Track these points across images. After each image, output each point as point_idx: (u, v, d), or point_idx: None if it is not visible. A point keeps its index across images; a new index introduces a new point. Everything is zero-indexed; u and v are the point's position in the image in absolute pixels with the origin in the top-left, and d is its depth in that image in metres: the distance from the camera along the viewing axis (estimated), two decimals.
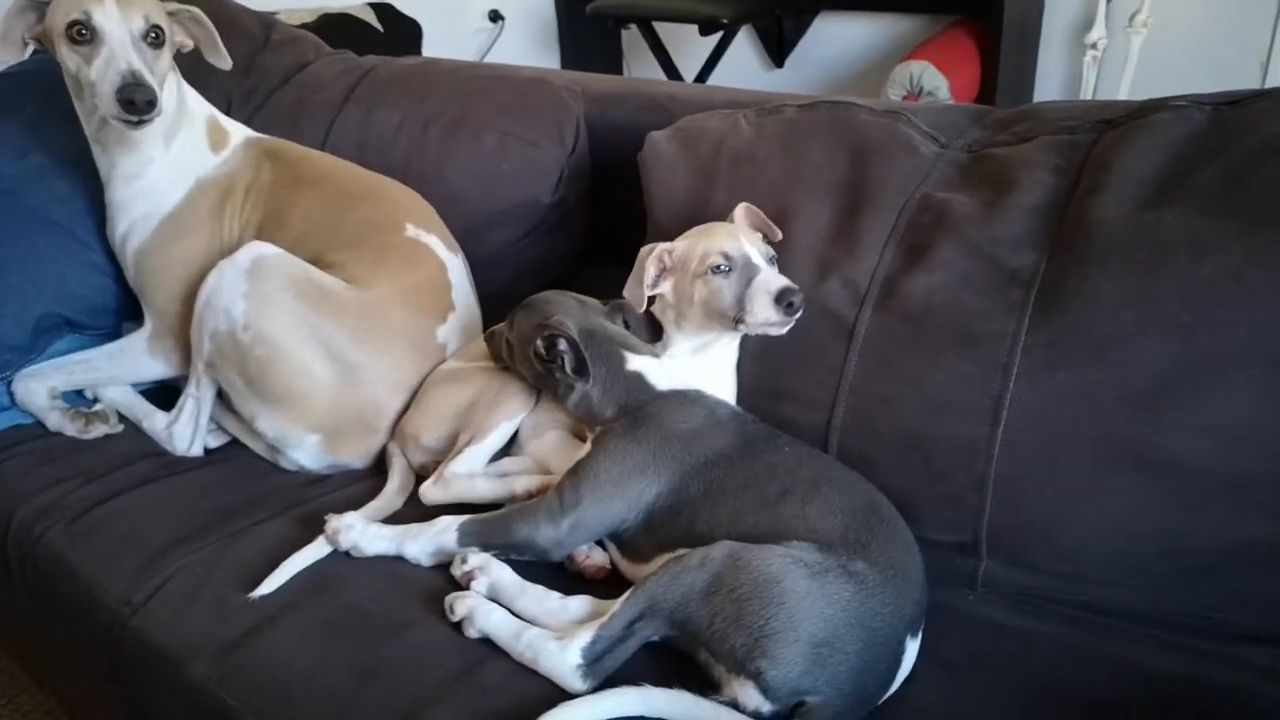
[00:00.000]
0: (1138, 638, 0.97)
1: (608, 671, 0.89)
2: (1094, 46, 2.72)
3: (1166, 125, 1.05)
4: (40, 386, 1.39)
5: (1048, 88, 2.96)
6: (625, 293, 1.18)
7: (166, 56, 1.30)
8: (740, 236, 1.12)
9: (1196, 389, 0.93)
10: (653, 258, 1.16)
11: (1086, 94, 2.78)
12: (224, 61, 1.40)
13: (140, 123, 1.23)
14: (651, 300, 1.19)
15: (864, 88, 3.25)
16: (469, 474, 1.16)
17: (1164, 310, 0.95)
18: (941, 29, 2.95)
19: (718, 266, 1.10)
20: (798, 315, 1.08)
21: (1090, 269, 1.00)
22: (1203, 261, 0.94)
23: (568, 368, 1.11)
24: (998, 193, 1.11)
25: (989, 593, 1.05)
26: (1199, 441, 0.94)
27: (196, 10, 1.37)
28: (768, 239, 1.18)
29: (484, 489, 1.15)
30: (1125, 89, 2.72)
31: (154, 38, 1.26)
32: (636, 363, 1.13)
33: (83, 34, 1.21)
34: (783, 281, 1.08)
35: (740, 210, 1.20)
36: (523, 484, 1.14)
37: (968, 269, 1.08)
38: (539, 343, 1.13)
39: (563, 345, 1.11)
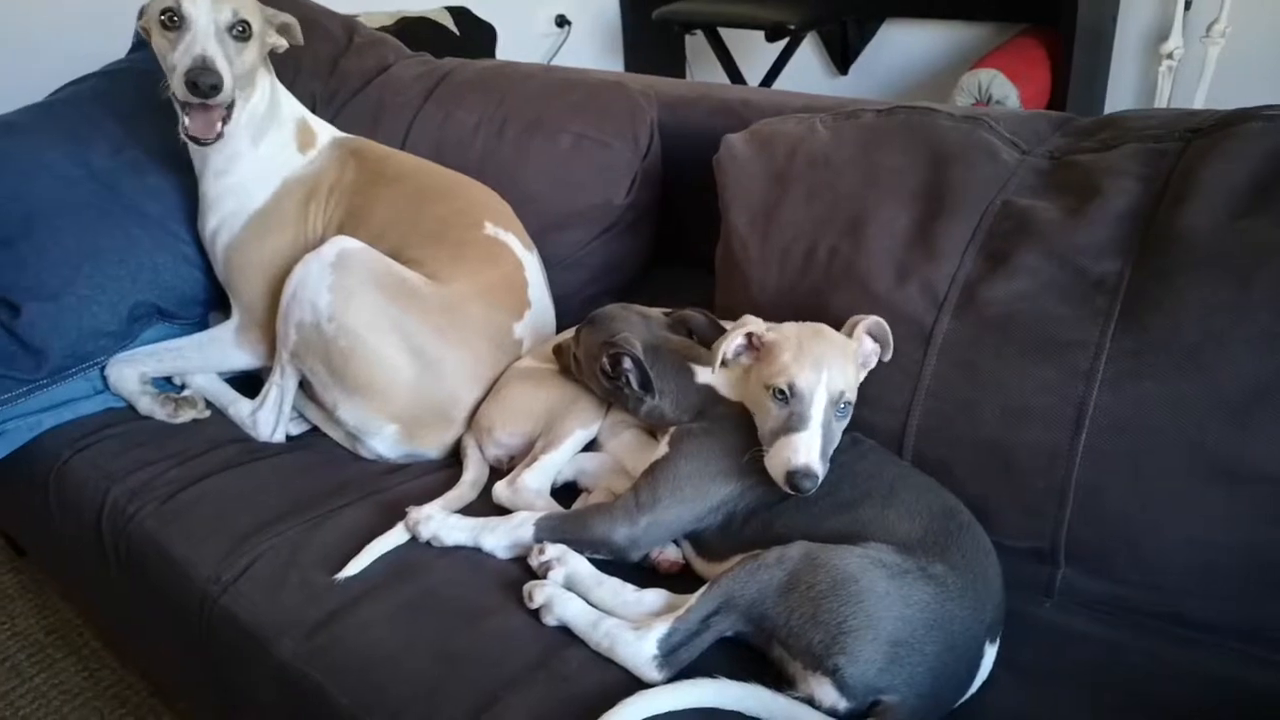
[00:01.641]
0: (1223, 651, 0.95)
1: (683, 664, 0.91)
2: (1170, 56, 2.67)
3: (1258, 135, 1.04)
4: (132, 372, 1.45)
5: (1120, 97, 2.90)
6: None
7: (253, 50, 1.35)
8: (825, 373, 1.01)
9: None
10: (741, 332, 1.07)
11: (1161, 104, 2.73)
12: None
13: (205, 107, 1.28)
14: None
15: (930, 96, 3.21)
16: (538, 491, 1.17)
17: (1257, 319, 0.94)
18: (1010, 37, 2.92)
19: (779, 392, 1.02)
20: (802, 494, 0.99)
21: (1178, 277, 0.99)
22: None
23: (634, 384, 1.13)
24: (1081, 200, 1.10)
25: (1065, 601, 1.04)
26: None
27: (289, 18, 1.42)
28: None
29: (544, 509, 1.13)
30: (1200, 99, 2.66)
31: (240, 31, 1.31)
32: (706, 375, 1.13)
33: (173, 20, 1.28)
34: (802, 461, 0.98)
35: (867, 325, 1.08)
36: None
37: (1051, 276, 1.07)
38: (605, 360, 1.14)
39: (628, 363, 1.12)
